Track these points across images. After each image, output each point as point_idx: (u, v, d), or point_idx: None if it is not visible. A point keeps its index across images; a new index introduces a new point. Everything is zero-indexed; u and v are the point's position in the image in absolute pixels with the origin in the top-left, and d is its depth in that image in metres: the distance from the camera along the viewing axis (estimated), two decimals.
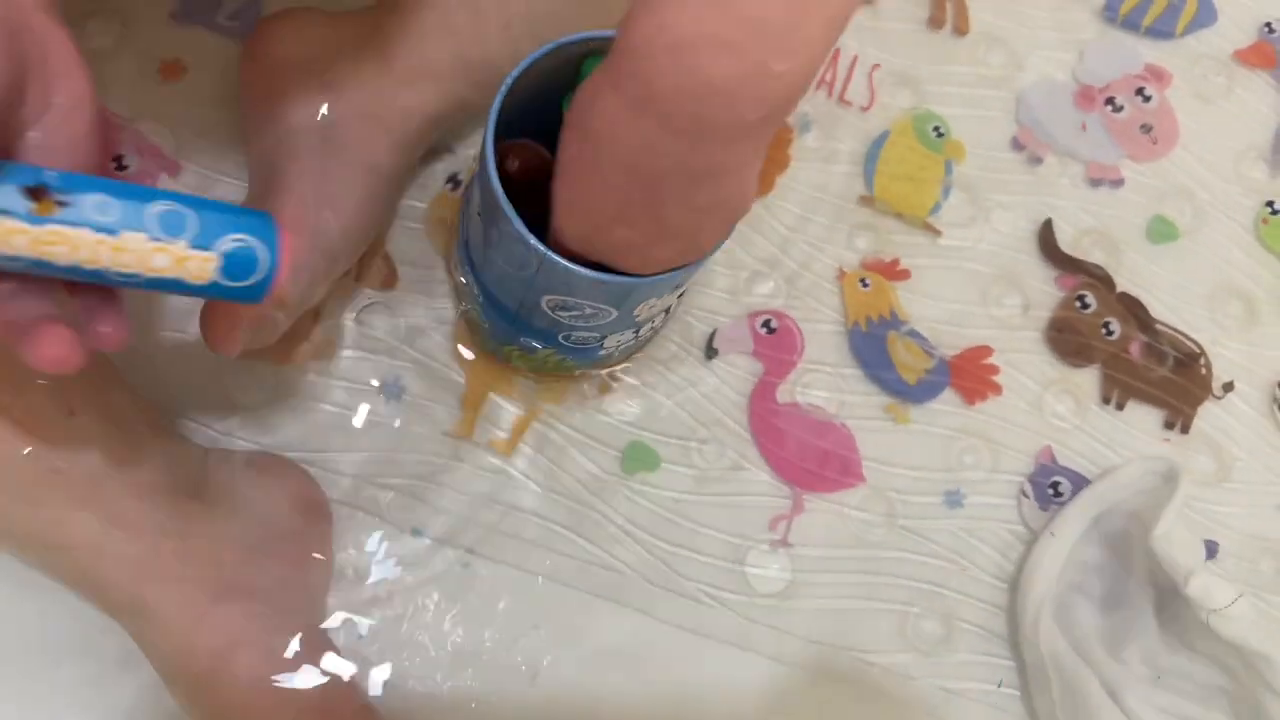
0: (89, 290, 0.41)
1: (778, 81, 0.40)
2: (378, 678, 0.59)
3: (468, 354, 0.64)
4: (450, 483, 0.62)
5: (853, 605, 0.65)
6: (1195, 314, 0.74)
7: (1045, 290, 0.72)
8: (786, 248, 0.70)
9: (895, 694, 0.65)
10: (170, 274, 0.40)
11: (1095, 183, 0.75)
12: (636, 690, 0.62)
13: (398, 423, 0.63)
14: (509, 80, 0.52)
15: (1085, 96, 0.77)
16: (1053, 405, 0.71)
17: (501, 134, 0.52)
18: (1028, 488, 0.69)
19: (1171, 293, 0.74)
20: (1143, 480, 0.66)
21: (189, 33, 0.66)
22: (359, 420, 0.62)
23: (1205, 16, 0.80)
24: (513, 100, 0.52)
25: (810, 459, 0.67)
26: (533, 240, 0.49)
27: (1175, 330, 0.73)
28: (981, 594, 0.67)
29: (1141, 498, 0.66)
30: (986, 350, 0.71)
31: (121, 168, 0.62)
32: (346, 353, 0.63)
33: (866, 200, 0.72)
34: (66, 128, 0.39)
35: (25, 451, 0.49)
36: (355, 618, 0.59)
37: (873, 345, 0.69)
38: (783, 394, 0.67)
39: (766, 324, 0.68)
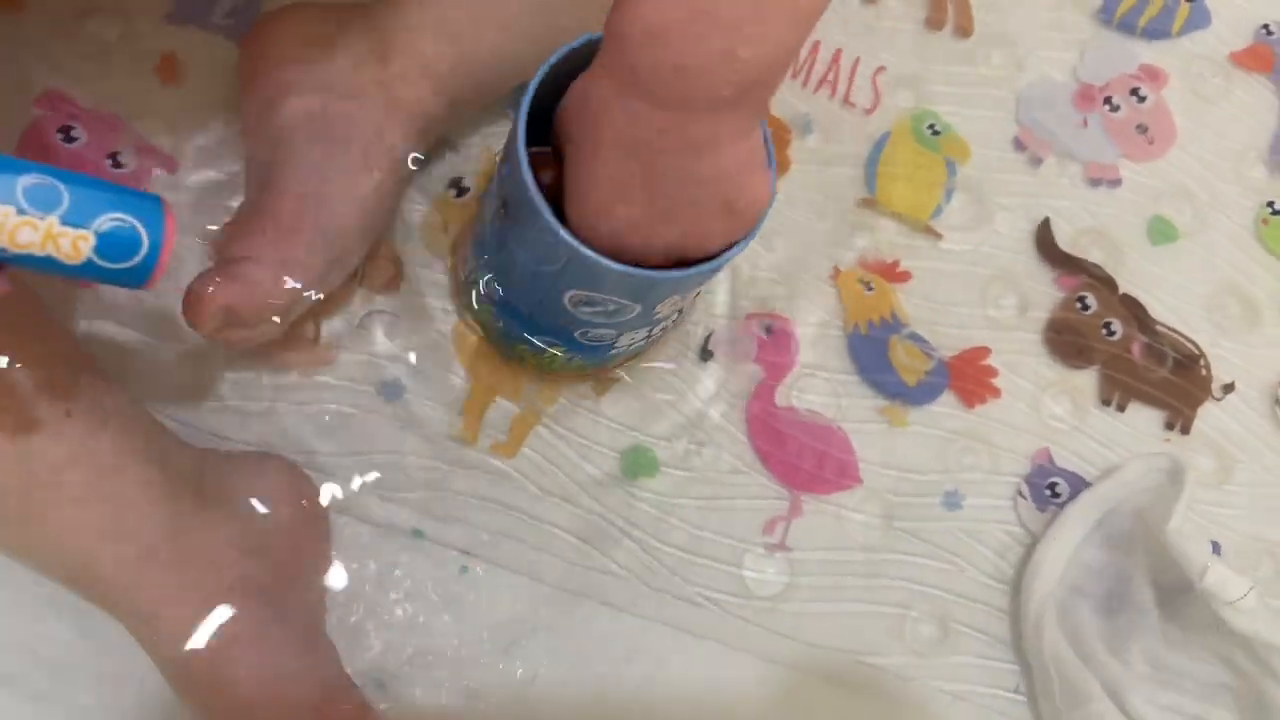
0: None
1: (746, 65, 0.43)
2: (375, 680, 0.58)
3: (471, 357, 0.64)
4: (450, 485, 0.62)
5: (850, 608, 0.65)
6: (1195, 315, 0.74)
7: (1045, 291, 0.72)
8: (786, 250, 0.70)
9: (893, 696, 0.65)
10: (38, 251, 0.39)
11: (1094, 183, 0.75)
12: (635, 692, 0.62)
13: (398, 425, 0.62)
14: (539, 75, 0.51)
15: (1085, 96, 0.77)
16: (1051, 407, 0.71)
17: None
18: (1024, 489, 0.69)
19: (1171, 293, 0.74)
20: (1147, 478, 0.66)
21: (185, 32, 0.66)
22: (359, 422, 0.62)
23: (1199, 19, 0.80)
24: (535, 99, 0.52)
25: (808, 461, 0.66)
26: (564, 233, 0.49)
27: (1175, 331, 0.73)
28: (979, 596, 0.67)
29: (1146, 496, 0.66)
30: (985, 352, 0.70)
31: (118, 165, 0.62)
32: (348, 355, 0.63)
33: (868, 202, 0.72)
34: None
35: (22, 451, 0.48)
36: (354, 619, 0.59)
37: (871, 348, 0.69)
38: (781, 397, 0.67)
39: (766, 327, 0.68)
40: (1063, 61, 0.77)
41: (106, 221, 0.40)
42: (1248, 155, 0.78)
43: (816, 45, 0.74)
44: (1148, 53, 0.79)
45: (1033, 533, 0.68)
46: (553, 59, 0.51)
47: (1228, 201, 0.77)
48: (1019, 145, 0.75)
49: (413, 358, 0.63)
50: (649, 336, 0.61)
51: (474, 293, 0.62)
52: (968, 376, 0.70)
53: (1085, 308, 0.72)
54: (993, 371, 0.70)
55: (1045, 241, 0.73)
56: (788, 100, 0.73)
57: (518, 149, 0.50)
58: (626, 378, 0.66)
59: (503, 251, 0.56)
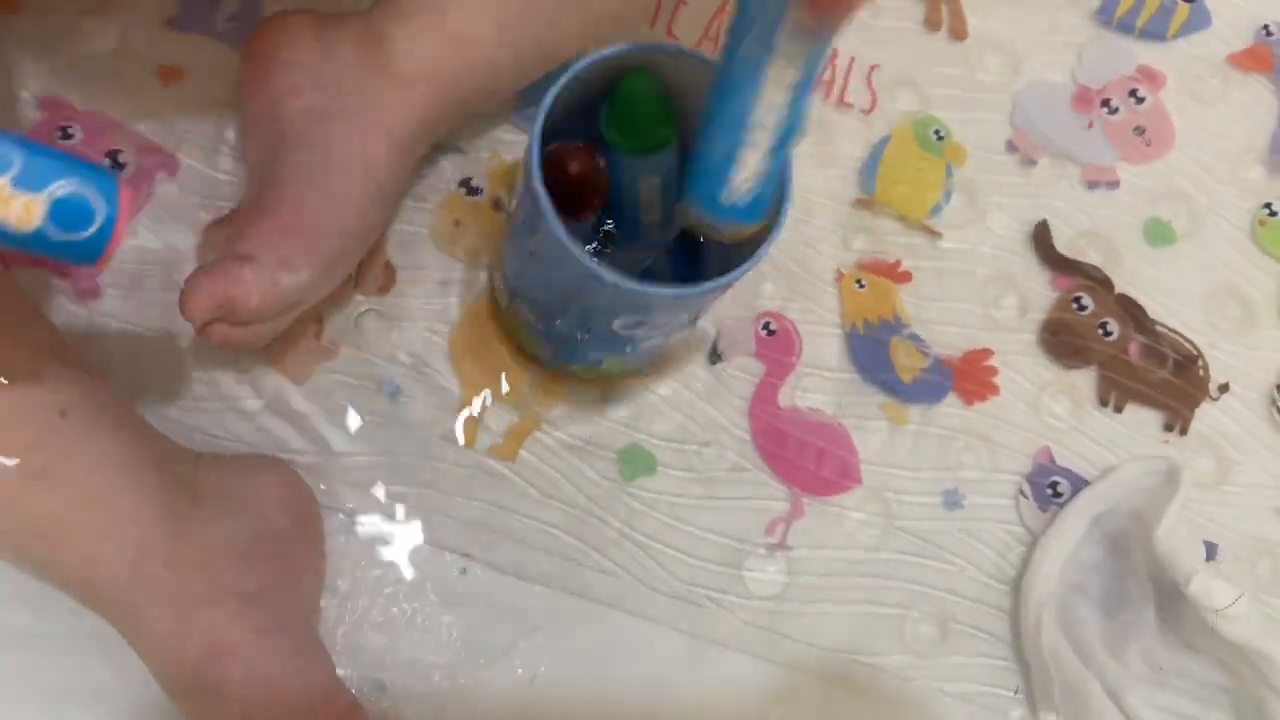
0: None
1: None
2: (374, 680, 0.58)
3: (466, 359, 0.64)
4: (448, 487, 0.62)
5: (850, 608, 0.65)
6: (1193, 316, 0.74)
7: (1041, 292, 0.73)
8: (787, 249, 0.70)
9: (893, 696, 0.65)
10: None
11: (1092, 185, 0.75)
12: (634, 693, 0.62)
13: (395, 427, 0.62)
14: (546, 103, 0.51)
15: (1082, 99, 0.77)
16: (1050, 406, 0.71)
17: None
18: (1026, 488, 0.69)
19: (1169, 295, 0.74)
20: (1143, 479, 0.66)
21: (186, 38, 0.66)
22: (356, 424, 0.62)
23: (1198, 20, 0.80)
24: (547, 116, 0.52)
25: (809, 461, 0.66)
26: (609, 275, 0.49)
27: (1174, 332, 0.73)
28: (979, 595, 0.67)
29: (1142, 496, 0.66)
30: (986, 352, 0.71)
31: (119, 165, 0.62)
32: (344, 357, 0.63)
33: (866, 203, 0.72)
34: None
35: (16, 451, 0.48)
36: (353, 619, 0.59)
37: (871, 347, 0.69)
38: (783, 397, 0.67)
39: (766, 326, 0.68)
40: (1060, 64, 0.78)
41: (60, 188, 0.39)
42: (1245, 156, 0.78)
43: None
44: (1146, 54, 0.79)
45: (1034, 532, 0.68)
46: (555, 88, 0.51)
47: (1225, 203, 0.77)
48: (1011, 148, 0.75)
49: (410, 359, 0.63)
50: (693, 329, 0.62)
51: (516, 323, 0.62)
52: (968, 376, 0.70)
53: (1082, 308, 0.72)
54: (993, 371, 0.70)
55: (1043, 243, 0.73)
56: None
57: (545, 211, 0.49)
58: (627, 380, 0.66)
59: (541, 290, 0.56)
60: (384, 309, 0.64)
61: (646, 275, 0.55)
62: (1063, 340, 0.71)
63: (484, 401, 0.64)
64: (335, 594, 0.59)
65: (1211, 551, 0.70)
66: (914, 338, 0.70)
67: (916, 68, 0.75)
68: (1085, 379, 0.72)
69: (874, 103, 0.74)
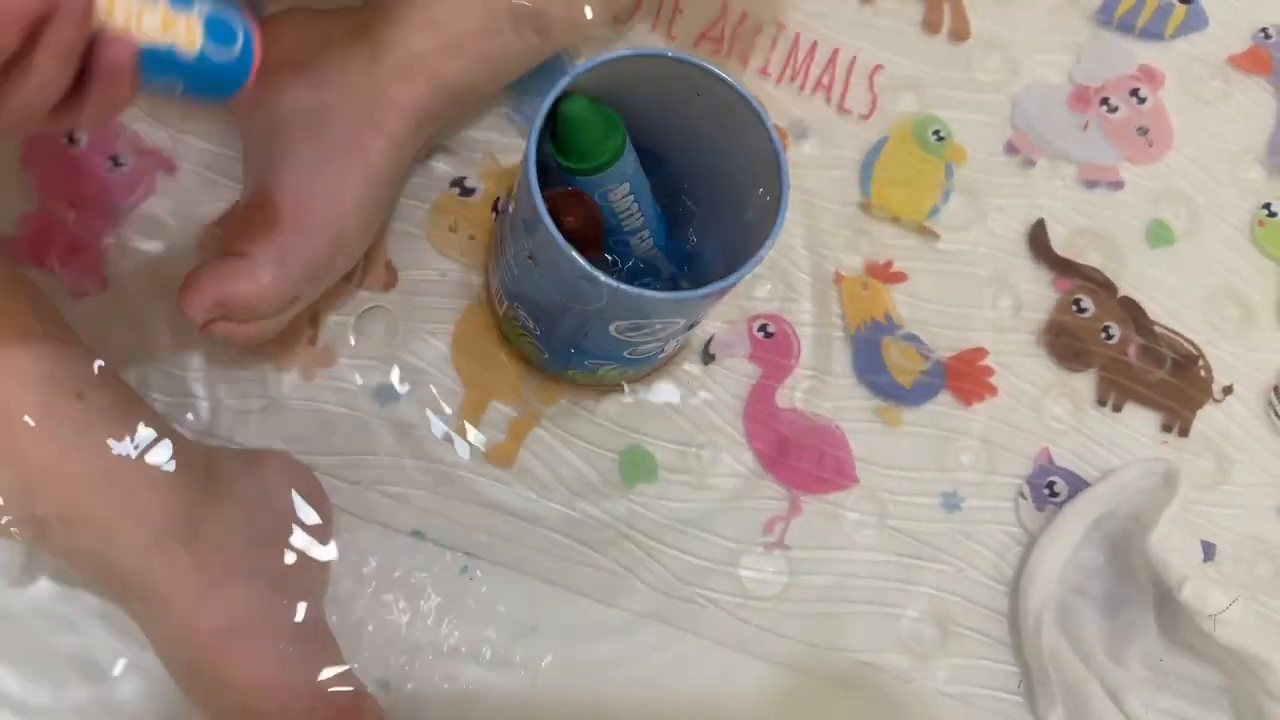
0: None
1: None
2: (376, 680, 0.58)
3: (467, 360, 0.64)
4: (449, 487, 0.62)
5: (849, 608, 0.65)
6: (1193, 317, 0.74)
7: (1040, 292, 0.73)
8: (784, 252, 0.70)
9: (891, 696, 0.65)
10: (162, 40, 0.37)
11: (1090, 184, 0.75)
12: (634, 693, 0.62)
13: (396, 426, 0.63)
14: (542, 111, 0.52)
15: (1080, 99, 0.77)
16: (1050, 407, 0.71)
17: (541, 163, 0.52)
18: (1025, 489, 0.69)
19: (1169, 295, 0.74)
20: (1142, 481, 0.66)
21: None
22: (358, 424, 0.62)
23: (1195, 21, 0.80)
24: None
25: (806, 462, 0.66)
26: (604, 278, 0.49)
27: (1174, 333, 0.73)
28: (978, 596, 0.67)
29: (1141, 498, 0.66)
30: (982, 352, 0.71)
31: (119, 165, 0.62)
32: (345, 356, 0.63)
33: (865, 205, 0.72)
34: None
35: (34, 433, 0.49)
36: (354, 618, 0.59)
37: (867, 349, 0.69)
38: (781, 398, 0.67)
39: (763, 328, 0.68)
40: (1059, 64, 0.78)
41: (203, 8, 0.38)
42: (1244, 157, 0.78)
43: (814, 46, 0.74)
44: (1146, 53, 0.79)
45: (1032, 533, 0.68)
46: (554, 92, 0.52)
47: (1224, 204, 0.77)
48: (1011, 149, 0.75)
49: (409, 359, 0.64)
50: (690, 333, 0.63)
51: (514, 329, 0.62)
52: (964, 376, 0.70)
53: (1082, 310, 0.72)
54: (989, 371, 0.70)
55: (1039, 243, 0.73)
56: (784, 105, 0.73)
57: (540, 213, 0.50)
58: (625, 382, 0.66)
59: (539, 295, 0.57)
60: (385, 309, 0.64)
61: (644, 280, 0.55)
62: (1063, 343, 0.71)
63: (484, 402, 0.64)
64: (336, 594, 0.59)
65: (1210, 552, 0.70)
66: (910, 338, 0.70)
67: (916, 69, 0.75)
68: (1086, 382, 0.72)
69: (874, 104, 0.74)
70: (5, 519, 0.50)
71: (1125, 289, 0.73)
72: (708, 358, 0.67)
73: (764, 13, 0.74)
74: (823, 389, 0.68)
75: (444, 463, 0.63)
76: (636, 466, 0.65)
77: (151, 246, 0.62)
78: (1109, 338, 0.72)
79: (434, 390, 0.63)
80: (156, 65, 0.38)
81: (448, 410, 0.63)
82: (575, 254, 0.49)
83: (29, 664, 0.56)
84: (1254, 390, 0.74)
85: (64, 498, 0.50)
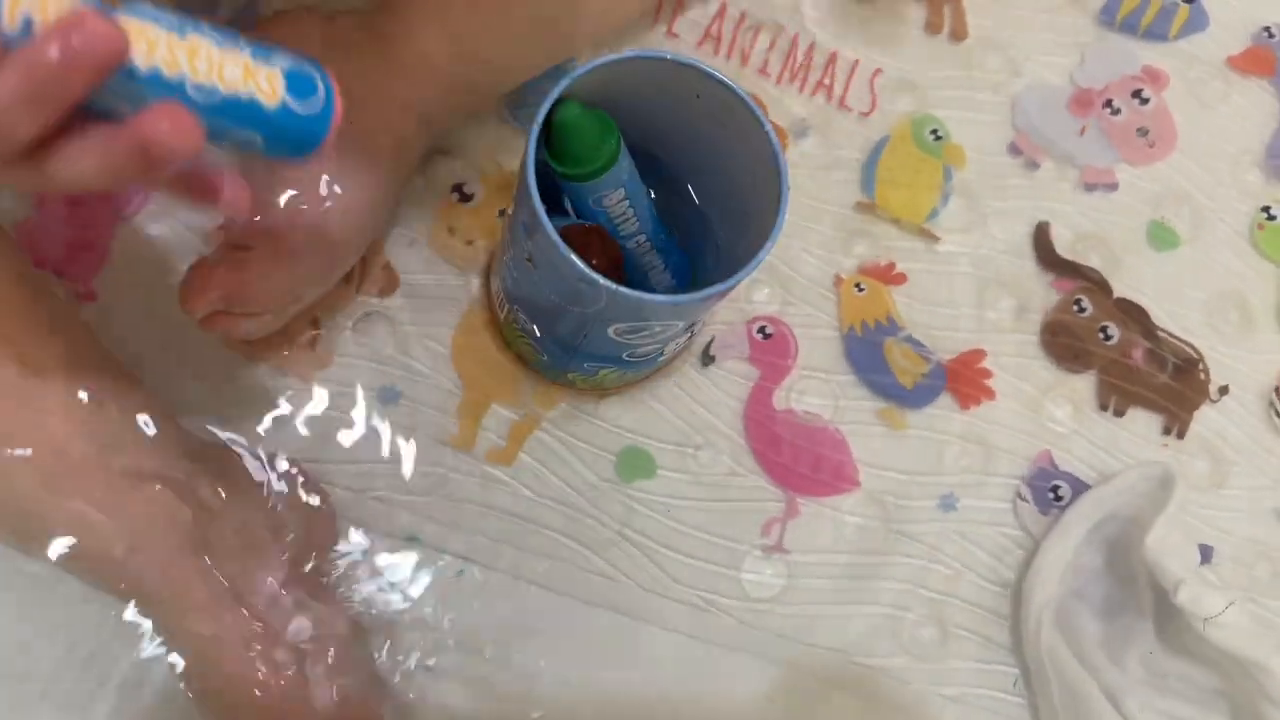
0: (191, 177, 0.38)
1: None
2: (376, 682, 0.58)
3: (466, 363, 0.64)
4: (447, 490, 0.62)
5: (848, 610, 0.65)
6: (1193, 320, 0.74)
7: (1041, 294, 0.72)
8: (782, 253, 0.70)
9: (891, 699, 0.65)
10: (243, 90, 0.36)
11: (1090, 187, 0.75)
12: (633, 695, 0.62)
13: (395, 430, 0.63)
14: (541, 113, 0.51)
15: (1081, 101, 0.77)
16: (1050, 410, 0.71)
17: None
18: (1025, 491, 0.69)
19: (1170, 298, 0.74)
20: (1141, 484, 0.66)
21: None
22: (356, 427, 0.62)
23: (1197, 21, 0.80)
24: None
25: (805, 464, 0.66)
26: (603, 281, 0.49)
27: (1174, 336, 0.73)
28: (977, 599, 0.67)
29: (1140, 501, 0.66)
30: (981, 354, 0.71)
31: None
32: (344, 360, 0.63)
33: (865, 206, 0.72)
34: None
35: (56, 438, 0.49)
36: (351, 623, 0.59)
37: (868, 350, 0.69)
38: (779, 400, 0.67)
39: (762, 330, 0.68)
40: (1060, 65, 0.77)
41: (283, 61, 0.38)
42: (1244, 159, 0.78)
43: (812, 48, 0.74)
44: (1149, 55, 0.79)
45: (1034, 536, 0.68)
46: (553, 94, 0.52)
47: (1224, 206, 0.77)
48: (1014, 150, 0.75)
49: (409, 362, 0.64)
50: (690, 337, 0.63)
51: (513, 331, 0.62)
52: (964, 379, 0.70)
53: (1081, 310, 0.72)
54: (988, 373, 0.70)
55: (1043, 245, 0.73)
56: (784, 104, 0.73)
57: (539, 213, 0.50)
58: (623, 383, 0.66)
59: (538, 297, 0.57)
60: (384, 312, 0.64)
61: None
62: (1063, 343, 0.71)
63: (484, 405, 0.64)
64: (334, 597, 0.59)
65: (1209, 554, 0.70)
66: (910, 340, 0.70)
67: (917, 69, 0.75)
68: (1086, 383, 0.72)
69: (873, 105, 0.74)
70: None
71: (1127, 292, 0.73)
72: (707, 359, 0.67)
73: (764, 13, 0.74)
74: (822, 390, 0.68)
75: (443, 465, 0.63)
76: (635, 468, 0.65)
77: (152, 242, 0.62)
78: (1108, 338, 0.72)
79: (433, 393, 0.63)
80: (237, 116, 0.37)
81: (447, 413, 0.63)
82: (574, 256, 0.49)
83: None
84: (1253, 392, 0.74)
85: (84, 503, 0.50)
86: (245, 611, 0.52)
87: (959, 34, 0.77)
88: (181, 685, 0.55)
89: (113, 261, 0.61)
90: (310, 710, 0.54)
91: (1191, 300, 0.74)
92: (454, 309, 0.65)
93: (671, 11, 0.73)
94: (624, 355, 0.58)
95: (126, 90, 0.34)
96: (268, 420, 0.61)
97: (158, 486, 0.51)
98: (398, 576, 0.61)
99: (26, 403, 0.50)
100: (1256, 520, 0.71)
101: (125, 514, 0.51)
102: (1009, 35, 0.77)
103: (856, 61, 0.75)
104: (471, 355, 0.64)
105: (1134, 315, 0.73)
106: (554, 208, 0.50)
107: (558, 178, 0.56)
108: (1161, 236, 0.75)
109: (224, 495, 0.54)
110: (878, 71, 0.75)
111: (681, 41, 0.73)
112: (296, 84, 0.38)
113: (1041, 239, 0.73)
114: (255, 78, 0.36)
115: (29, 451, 0.49)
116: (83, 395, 0.51)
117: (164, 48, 0.34)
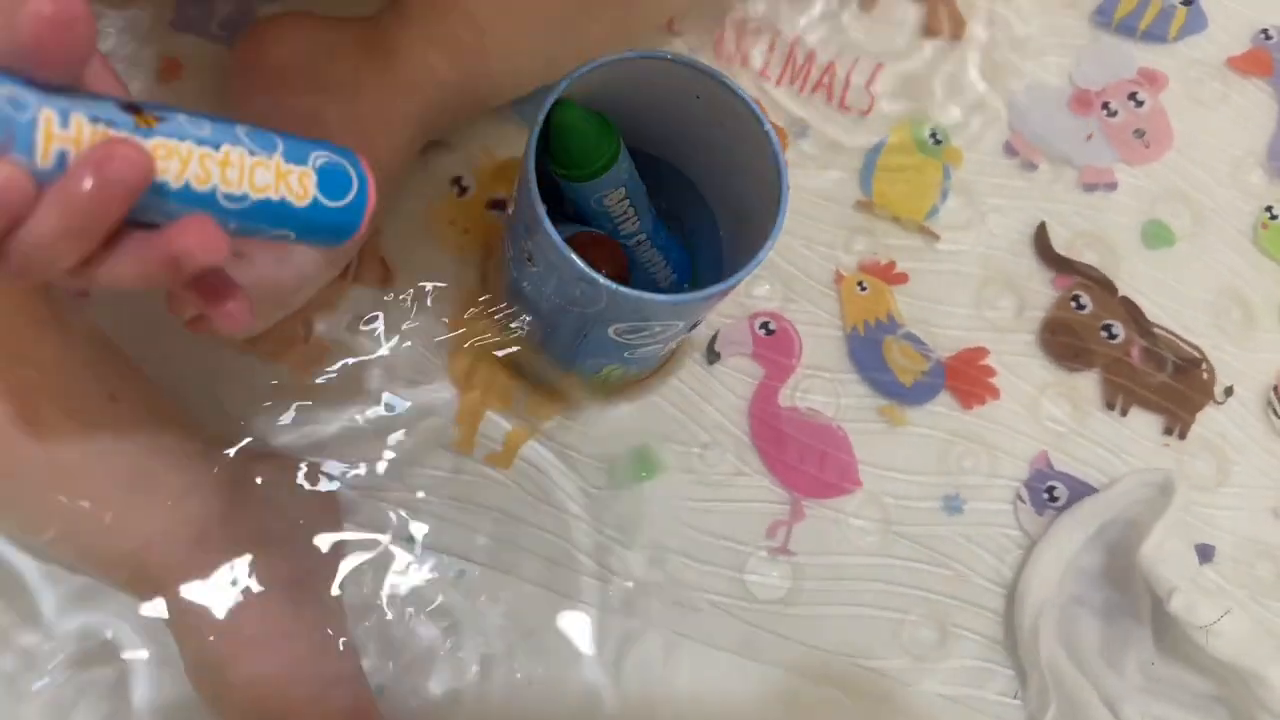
0: (208, 280, 0.40)
1: None
2: (374, 683, 0.58)
3: (463, 366, 0.64)
4: (446, 491, 0.62)
5: (851, 611, 0.65)
6: (1196, 319, 0.74)
7: (1040, 291, 0.72)
8: (784, 251, 0.70)
9: (893, 700, 0.64)
10: (274, 194, 0.38)
11: (1089, 187, 0.75)
12: (634, 696, 0.62)
13: (392, 430, 0.62)
14: (540, 116, 0.51)
15: (1080, 102, 0.77)
16: (1050, 409, 0.70)
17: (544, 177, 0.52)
18: (1024, 493, 0.69)
19: (1171, 297, 0.74)
20: (1141, 490, 0.66)
21: (184, 39, 0.66)
22: (354, 429, 0.62)
23: (1195, 22, 0.80)
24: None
25: (809, 464, 0.66)
26: (602, 280, 0.49)
27: (1175, 335, 0.73)
28: (979, 600, 0.67)
29: (1139, 506, 0.66)
30: (982, 352, 0.70)
31: None
32: (340, 358, 0.63)
33: (864, 204, 0.72)
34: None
35: (71, 434, 0.49)
36: (349, 624, 0.59)
37: (869, 349, 0.69)
38: (784, 398, 0.67)
39: (765, 326, 0.68)
40: (1058, 66, 0.77)
41: (319, 158, 0.39)
42: (1245, 160, 0.78)
43: (813, 48, 0.74)
44: (1146, 56, 0.79)
45: (1031, 537, 0.68)
46: (553, 94, 0.52)
47: (1226, 206, 0.77)
48: (1010, 150, 0.75)
49: (404, 359, 0.63)
50: (689, 334, 0.63)
51: (513, 330, 0.62)
52: (965, 377, 0.70)
53: (1080, 307, 0.72)
54: (990, 371, 0.70)
55: (1043, 246, 0.73)
56: (783, 104, 0.73)
57: (540, 217, 0.49)
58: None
59: (538, 297, 0.57)
60: (383, 310, 0.64)
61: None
62: (1062, 341, 0.71)
63: (481, 404, 0.64)
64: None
65: (1210, 554, 0.70)
66: (910, 338, 0.70)
67: (916, 70, 0.75)
68: (1086, 382, 0.72)
69: (872, 105, 0.74)
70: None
71: (1125, 290, 0.73)
72: (713, 356, 0.67)
73: (764, 14, 0.74)
74: (825, 388, 0.68)
75: (440, 466, 0.62)
76: (637, 468, 0.64)
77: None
78: (1111, 337, 0.72)
79: (431, 394, 0.63)
80: (268, 218, 0.39)
81: (444, 412, 0.63)
82: (574, 256, 0.49)
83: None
84: (1254, 392, 0.74)
85: (97, 501, 0.50)
86: (246, 606, 0.52)
87: (957, 35, 0.77)
88: (190, 684, 0.55)
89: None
90: (312, 710, 0.54)
91: (1192, 299, 0.74)
92: (452, 305, 0.65)
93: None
94: (625, 354, 0.58)
95: (160, 206, 0.36)
96: (265, 417, 0.61)
97: (165, 482, 0.51)
98: (397, 577, 0.60)
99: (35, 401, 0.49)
100: (1257, 520, 0.71)
101: (135, 510, 0.51)
102: (1007, 36, 0.77)
103: (855, 62, 0.75)
104: (469, 353, 0.64)
105: (1131, 313, 0.73)
106: (555, 208, 0.50)
107: (557, 179, 0.56)
108: (1158, 235, 0.75)
109: (228, 491, 0.54)
110: (877, 71, 0.75)
111: (683, 40, 0.73)
112: (329, 180, 0.39)
113: (1041, 240, 0.73)
114: (287, 180, 0.38)
115: (40, 450, 0.49)
116: (97, 391, 0.50)
117: (195, 164, 0.36)
